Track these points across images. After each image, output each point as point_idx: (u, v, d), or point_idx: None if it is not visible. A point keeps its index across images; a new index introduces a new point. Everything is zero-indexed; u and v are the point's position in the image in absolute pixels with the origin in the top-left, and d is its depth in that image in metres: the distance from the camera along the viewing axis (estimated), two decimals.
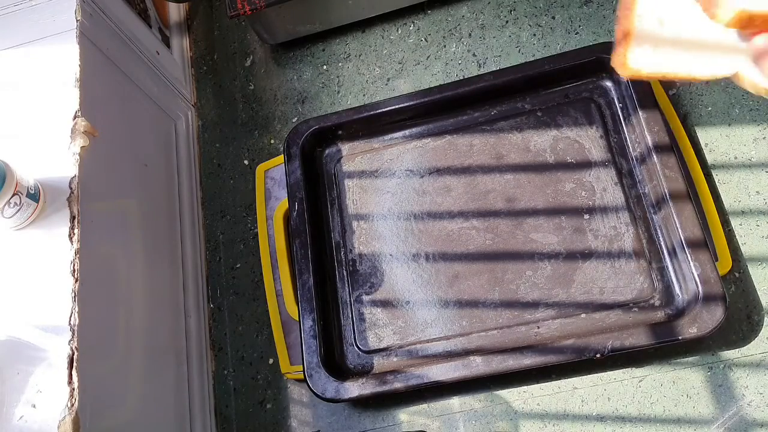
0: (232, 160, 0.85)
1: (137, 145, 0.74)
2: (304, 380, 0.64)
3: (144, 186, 0.73)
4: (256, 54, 0.89)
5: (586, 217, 0.65)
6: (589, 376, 0.64)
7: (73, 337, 0.52)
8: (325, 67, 0.85)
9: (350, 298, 0.69)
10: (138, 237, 0.69)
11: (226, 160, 0.85)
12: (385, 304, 0.68)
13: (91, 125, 0.59)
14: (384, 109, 0.73)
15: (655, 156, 0.63)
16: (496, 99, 0.72)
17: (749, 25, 0.39)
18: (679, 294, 0.61)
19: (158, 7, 0.86)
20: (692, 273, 0.59)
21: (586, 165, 0.68)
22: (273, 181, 0.77)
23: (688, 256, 0.60)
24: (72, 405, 0.50)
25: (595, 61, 0.69)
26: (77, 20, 0.63)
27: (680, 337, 0.58)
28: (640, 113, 0.65)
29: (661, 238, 0.63)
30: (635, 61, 0.49)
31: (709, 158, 0.68)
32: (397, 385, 0.62)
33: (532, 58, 0.77)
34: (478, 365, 0.61)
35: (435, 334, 0.66)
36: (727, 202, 0.66)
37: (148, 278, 0.70)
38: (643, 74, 0.51)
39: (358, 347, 0.67)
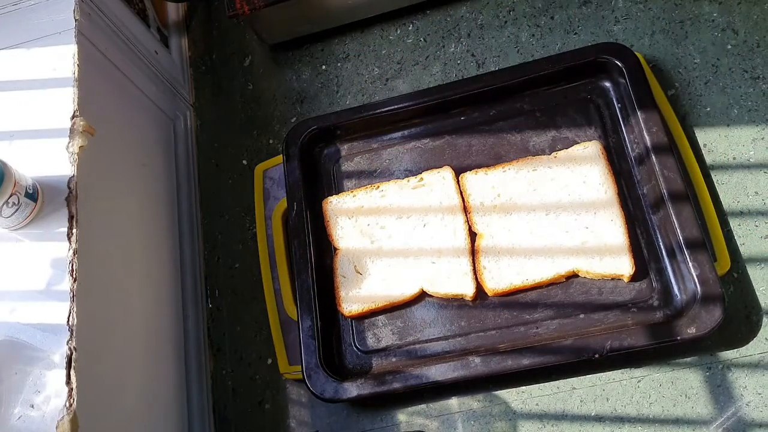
0: (231, 160, 0.85)
1: (136, 145, 0.74)
2: (303, 380, 0.64)
3: (142, 186, 0.73)
4: (254, 54, 0.89)
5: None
6: (587, 376, 0.64)
7: (71, 337, 0.52)
8: (323, 67, 0.85)
9: None
10: (136, 237, 0.69)
11: (224, 160, 0.85)
12: None
13: (89, 125, 0.59)
14: (383, 110, 0.73)
15: (653, 156, 0.63)
16: (495, 99, 0.72)
17: None
18: (678, 294, 0.61)
19: (157, 6, 0.86)
20: (691, 273, 0.59)
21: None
22: (272, 181, 0.77)
23: (687, 256, 0.60)
24: (70, 405, 0.50)
25: (594, 61, 0.69)
26: (75, 20, 0.63)
27: (679, 338, 0.58)
28: (639, 114, 0.65)
29: (659, 239, 0.63)
30: (347, 308, 0.68)
31: (708, 159, 0.68)
32: (396, 385, 0.62)
33: (531, 59, 0.77)
34: (476, 365, 0.61)
35: (434, 334, 0.66)
36: (726, 202, 0.66)
37: (147, 278, 0.69)
38: (354, 314, 0.67)
39: (356, 347, 0.67)
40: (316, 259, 0.70)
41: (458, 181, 0.69)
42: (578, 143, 0.68)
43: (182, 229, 0.79)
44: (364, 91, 0.82)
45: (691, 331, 0.58)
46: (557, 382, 0.65)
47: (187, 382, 0.72)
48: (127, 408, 0.61)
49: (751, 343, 0.62)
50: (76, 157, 0.58)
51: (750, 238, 0.65)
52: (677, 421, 0.62)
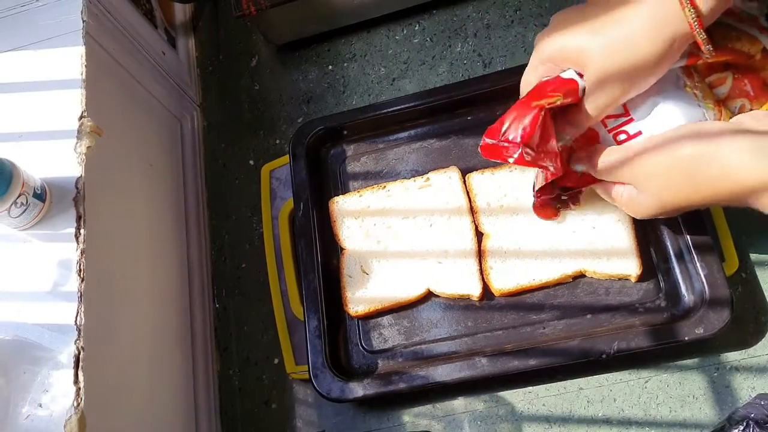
0: (238, 161, 0.85)
1: (143, 145, 0.74)
2: (309, 380, 0.64)
3: (149, 186, 0.73)
4: (261, 54, 0.89)
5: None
6: (594, 376, 0.64)
7: (79, 336, 0.52)
8: (330, 67, 0.85)
9: None
10: (144, 237, 0.69)
11: (231, 160, 0.85)
12: None
13: (97, 125, 0.59)
14: (389, 110, 0.73)
15: None
16: (502, 99, 0.72)
17: None
18: (686, 295, 0.61)
19: (164, 7, 0.87)
20: (699, 273, 0.59)
21: None
22: (278, 182, 0.77)
23: (695, 256, 0.59)
24: (78, 404, 0.50)
25: None
26: (83, 21, 0.63)
27: (686, 338, 0.57)
28: None
29: (667, 239, 0.63)
30: (353, 308, 0.68)
31: None
32: (402, 385, 0.62)
33: None
34: (483, 366, 0.61)
35: (440, 334, 0.66)
36: None
37: (154, 278, 0.70)
38: (360, 314, 0.67)
39: (363, 347, 0.67)
40: (323, 259, 0.70)
41: (464, 181, 0.69)
42: None
43: (189, 228, 0.79)
44: (370, 91, 0.82)
45: (699, 331, 0.57)
46: (564, 382, 0.65)
47: (194, 382, 0.72)
48: (135, 407, 0.61)
49: (759, 343, 0.62)
50: (83, 157, 0.58)
51: (758, 237, 0.65)
52: (685, 422, 0.61)
